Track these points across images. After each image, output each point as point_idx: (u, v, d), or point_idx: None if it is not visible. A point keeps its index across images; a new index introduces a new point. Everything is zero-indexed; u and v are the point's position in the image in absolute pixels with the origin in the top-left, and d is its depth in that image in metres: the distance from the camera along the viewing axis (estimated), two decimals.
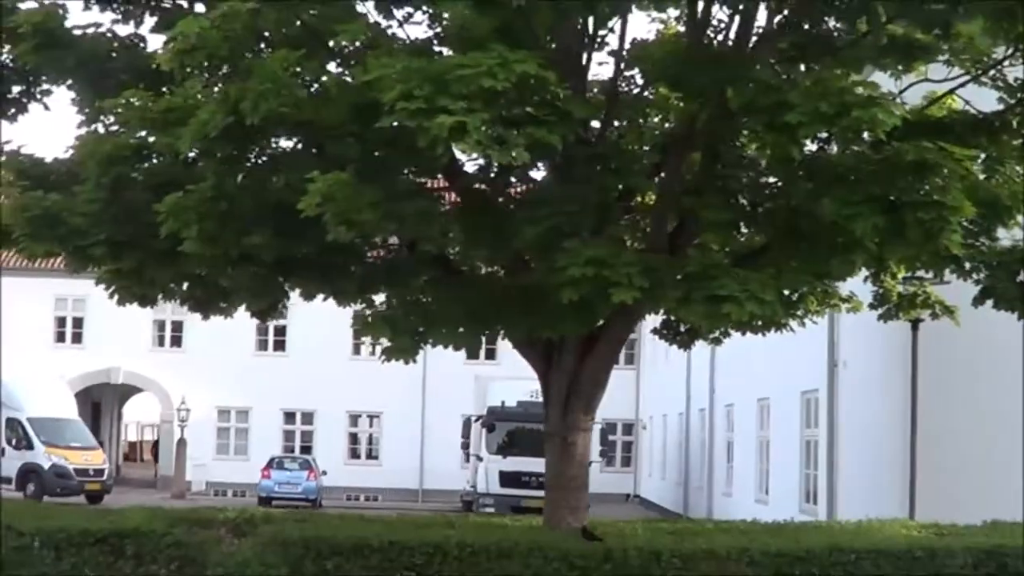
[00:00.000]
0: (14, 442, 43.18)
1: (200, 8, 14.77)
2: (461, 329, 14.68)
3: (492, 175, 14.01)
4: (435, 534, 14.71)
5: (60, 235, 15.07)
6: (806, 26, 14.78)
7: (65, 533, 14.31)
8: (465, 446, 39.38)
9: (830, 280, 16.72)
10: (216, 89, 13.25)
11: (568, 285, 13.04)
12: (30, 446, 43.00)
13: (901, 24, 14.55)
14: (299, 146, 13.90)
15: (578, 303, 13.37)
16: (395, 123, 11.41)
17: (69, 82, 16.61)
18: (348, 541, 14.22)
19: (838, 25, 14.64)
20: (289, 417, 55.75)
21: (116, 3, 16.69)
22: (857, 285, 18.07)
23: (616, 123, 15.67)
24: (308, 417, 55.64)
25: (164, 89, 14.28)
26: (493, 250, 14.52)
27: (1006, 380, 21.82)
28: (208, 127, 12.54)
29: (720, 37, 15.13)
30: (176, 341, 55.13)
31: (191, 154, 14.19)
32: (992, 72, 15.59)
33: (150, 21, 16.28)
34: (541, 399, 37.62)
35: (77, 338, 54.86)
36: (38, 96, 17.39)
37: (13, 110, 17.56)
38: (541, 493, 36.02)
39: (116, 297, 18.56)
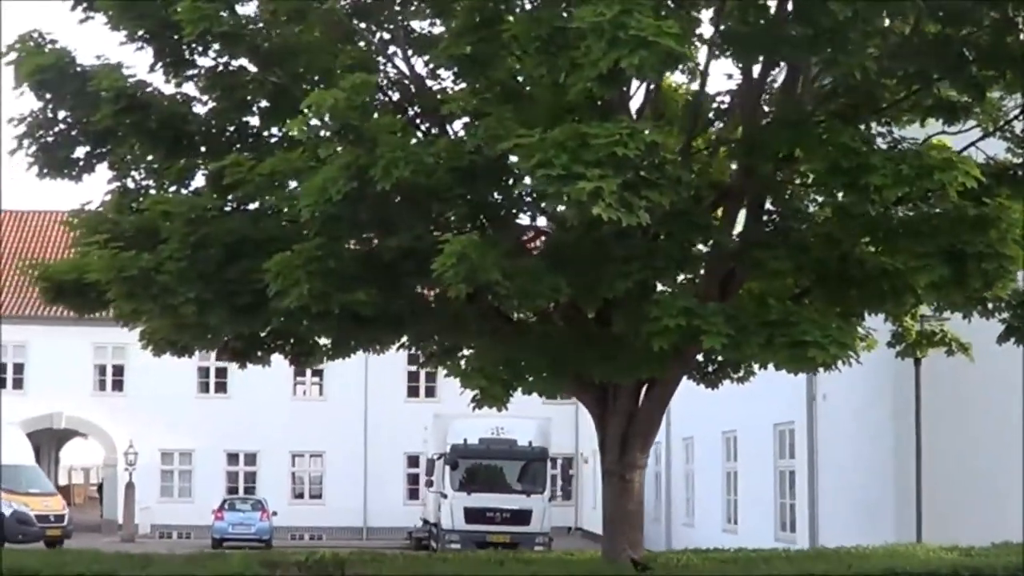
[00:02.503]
0: None
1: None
2: (545, 375, 15.49)
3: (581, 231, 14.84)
4: (509, 570, 15.49)
5: (152, 294, 15.69)
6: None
7: None
8: (429, 484, 40.11)
9: (858, 321, 17.79)
10: (332, 153, 13.94)
11: (660, 334, 14.00)
12: None
13: (943, 86, 15.76)
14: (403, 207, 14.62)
15: (655, 350, 14.34)
16: (530, 189, 12.23)
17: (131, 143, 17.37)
18: None
19: (884, 82, 15.76)
20: (232, 458, 56.00)
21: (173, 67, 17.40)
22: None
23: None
24: (251, 458, 55.93)
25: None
26: (582, 301, 15.38)
27: (1005, 408, 23.07)
28: (330, 191, 13.30)
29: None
30: (117, 385, 55.23)
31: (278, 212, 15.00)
32: (1003, 124, 16.89)
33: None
34: (503, 436, 38.93)
35: (18, 383, 54.67)
36: (102, 158, 18.08)
37: (77, 171, 18.19)
38: (506, 528, 37.64)
39: (152, 348, 19.28)
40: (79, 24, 17.64)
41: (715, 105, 17.18)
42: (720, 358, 18.41)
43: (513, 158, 13.05)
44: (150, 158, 18.03)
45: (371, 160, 13.12)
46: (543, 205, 12.50)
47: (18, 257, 57.66)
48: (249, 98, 17.37)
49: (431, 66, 16.42)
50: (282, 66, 16.71)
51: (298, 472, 57.01)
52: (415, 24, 17.15)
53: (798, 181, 16.76)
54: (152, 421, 53.06)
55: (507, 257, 13.54)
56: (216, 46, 16.40)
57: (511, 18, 13.85)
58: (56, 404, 53.99)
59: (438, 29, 16.69)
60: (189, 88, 17.70)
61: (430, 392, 54.85)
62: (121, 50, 17.16)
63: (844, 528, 24.89)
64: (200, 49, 16.90)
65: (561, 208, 12.30)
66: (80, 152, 17.88)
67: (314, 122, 13.99)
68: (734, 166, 16.97)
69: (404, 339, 18.59)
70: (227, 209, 16.63)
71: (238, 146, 17.40)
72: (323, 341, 18.96)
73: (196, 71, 17.29)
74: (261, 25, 16.29)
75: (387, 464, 54.68)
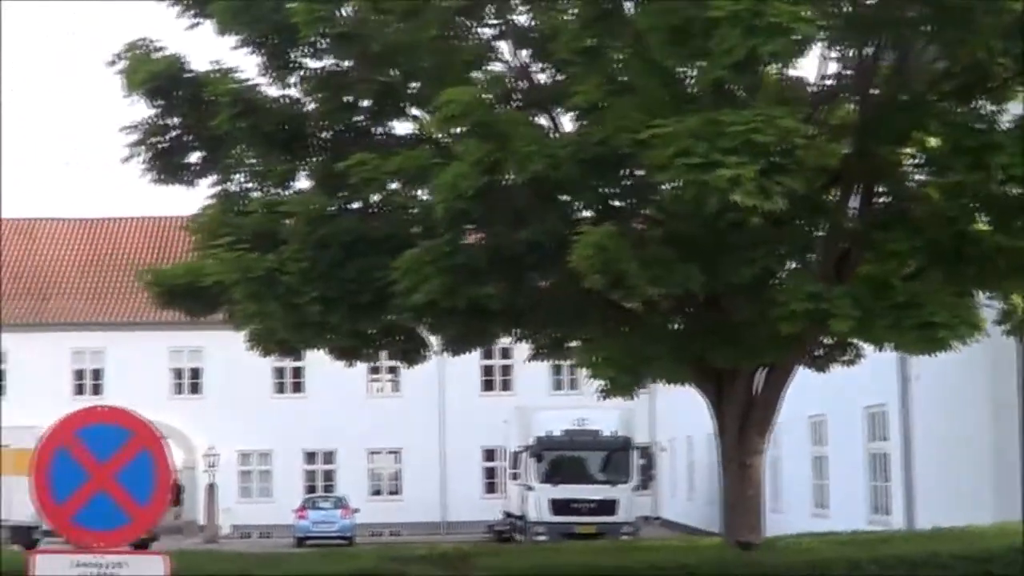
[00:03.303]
0: None
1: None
2: (668, 363, 15.62)
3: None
4: (655, 558, 15.63)
5: (277, 294, 15.92)
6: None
7: None
8: (515, 476, 40.26)
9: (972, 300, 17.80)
10: (465, 149, 14.11)
11: (787, 318, 14.07)
12: None
13: None
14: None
15: (783, 334, 14.43)
16: (671, 178, 12.34)
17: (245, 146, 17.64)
18: (574, 569, 15.13)
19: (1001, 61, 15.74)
20: (310, 457, 56.39)
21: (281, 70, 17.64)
22: None
23: None
24: (329, 456, 56.30)
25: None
26: (704, 289, 15.49)
27: None
28: (462, 186, 13.47)
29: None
30: (194, 388, 55.76)
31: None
32: None
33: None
34: (586, 427, 39.03)
35: (96, 389, 55.21)
36: (215, 162, 18.36)
37: (190, 176, 18.49)
38: (592, 519, 37.70)
39: (260, 349, 19.52)
40: (187, 30, 17.92)
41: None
42: (828, 341, 18.47)
43: (640, 149, 13.11)
44: (252, 160, 18.29)
45: (505, 155, 13.27)
46: (679, 194, 12.56)
47: (90, 265, 58.59)
48: (353, 98, 17.61)
49: (543, 61, 16.53)
50: (390, 65, 16.92)
51: (375, 469, 57.27)
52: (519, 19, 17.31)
53: (910, 161, 16.76)
54: (230, 422, 53.51)
55: (636, 247, 13.66)
56: (326, 47, 16.62)
57: (637, 10, 13.88)
58: (135, 408, 54.12)
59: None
60: (289, 90, 18.02)
61: (505, 385, 55.15)
62: (227, 54, 17.47)
63: (942, 509, 24.86)
64: (308, 51, 17.16)
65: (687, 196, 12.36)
66: (193, 157, 18.18)
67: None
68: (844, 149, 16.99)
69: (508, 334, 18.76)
70: (334, 209, 16.88)
71: (348, 146, 17.63)
72: (432, 338, 19.23)
73: (303, 73, 17.55)
74: (371, 25, 16.45)
75: (464, 458, 54.85)
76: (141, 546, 36.48)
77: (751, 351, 15.45)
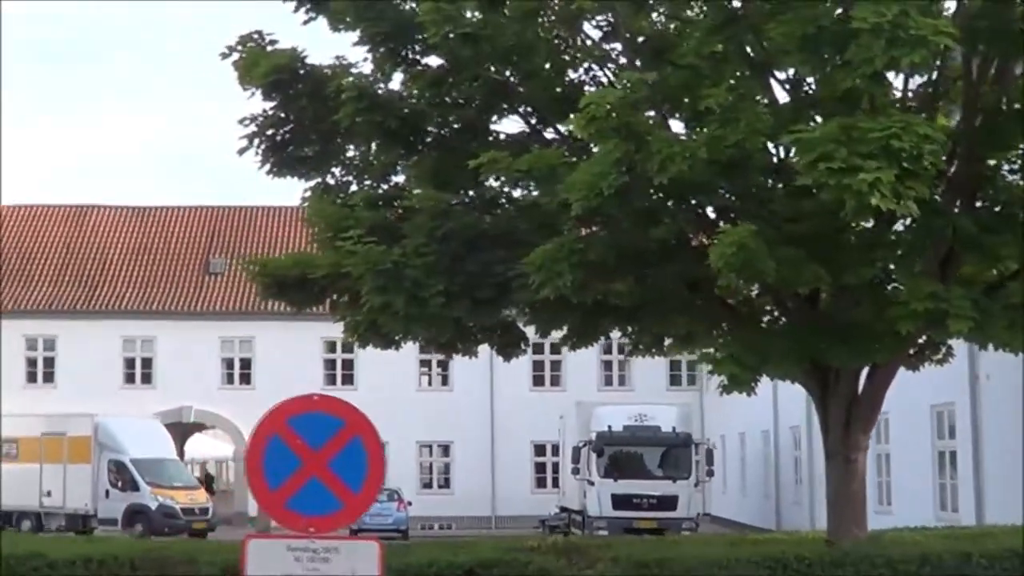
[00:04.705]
0: (120, 484, 44.00)
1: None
2: (789, 362, 15.97)
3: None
4: (769, 550, 15.96)
5: (404, 288, 16.31)
6: None
7: (435, 567, 15.22)
8: (576, 471, 40.57)
9: None
10: (600, 149, 14.49)
11: (907, 318, 14.43)
12: (135, 487, 43.82)
13: None
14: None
15: (896, 334, 14.80)
16: (811, 182, 12.70)
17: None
18: (691, 561, 15.47)
19: None
20: None
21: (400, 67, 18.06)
22: None
23: None
24: None
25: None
26: (825, 288, 15.86)
27: None
28: (602, 185, 13.84)
29: None
30: (245, 379, 55.98)
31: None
32: None
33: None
34: (646, 423, 39.33)
35: (147, 379, 55.65)
36: (333, 156, 18.80)
37: (306, 169, 18.91)
38: (652, 514, 38.01)
39: (358, 340, 19.87)
40: (303, 25, 18.36)
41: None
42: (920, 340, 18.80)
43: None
44: (369, 155, 18.69)
45: (646, 155, 13.64)
46: (821, 196, 12.93)
47: (141, 253, 58.88)
48: (463, 96, 18.02)
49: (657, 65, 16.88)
50: (505, 64, 17.32)
51: (425, 462, 57.64)
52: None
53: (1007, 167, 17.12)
54: None
55: (769, 247, 14.03)
56: (441, 45, 16.97)
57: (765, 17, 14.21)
58: (185, 398, 54.88)
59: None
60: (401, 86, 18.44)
61: (555, 381, 55.49)
62: (330, 48, 17.90)
63: (1012, 507, 25.20)
64: (425, 49, 17.57)
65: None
66: (309, 150, 18.59)
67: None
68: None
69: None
70: (457, 203, 17.31)
71: (460, 142, 18.06)
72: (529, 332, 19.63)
73: (418, 69, 17.96)
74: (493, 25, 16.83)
75: (514, 453, 55.17)
76: (200, 535, 37.00)
77: (867, 350, 15.78)
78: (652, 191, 14.42)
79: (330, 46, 18.90)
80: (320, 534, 8.85)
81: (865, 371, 17.47)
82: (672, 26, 16.94)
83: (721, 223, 15.28)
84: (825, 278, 14.42)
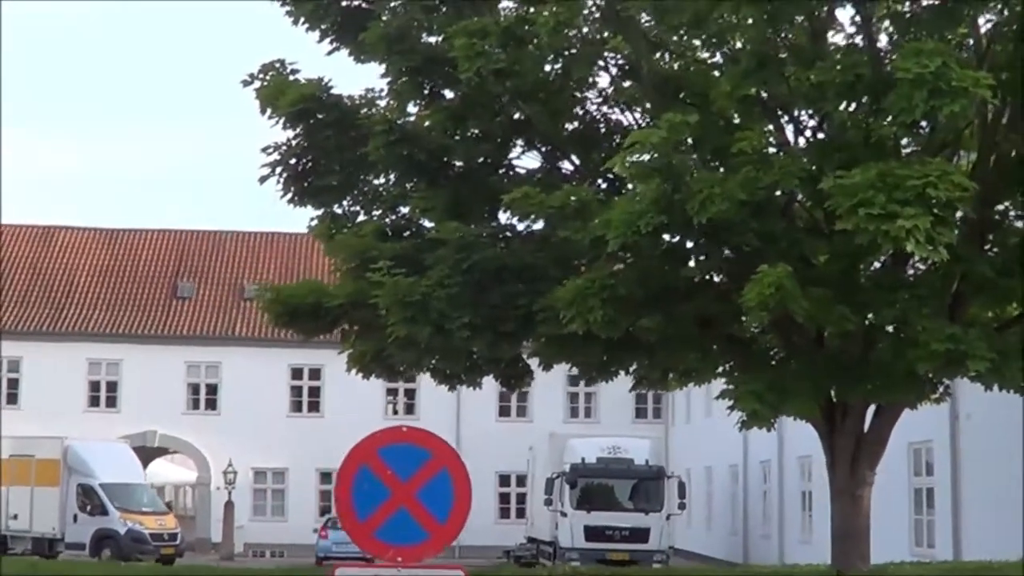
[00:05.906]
0: (88, 508, 43.65)
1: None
2: (807, 399, 16.32)
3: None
4: None
5: (431, 319, 16.54)
6: None
7: None
8: (548, 502, 40.68)
9: None
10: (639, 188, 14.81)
11: (926, 359, 14.84)
12: (104, 512, 43.43)
13: None
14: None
15: (920, 373, 15.20)
16: (850, 227, 13.06)
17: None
18: None
19: None
20: (325, 477, 56.36)
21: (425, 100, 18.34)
22: None
23: None
24: None
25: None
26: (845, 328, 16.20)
27: None
28: (639, 223, 14.15)
29: None
30: (211, 404, 55.77)
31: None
32: None
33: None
34: (620, 455, 39.56)
35: (111, 402, 55.30)
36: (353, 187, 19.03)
37: (327, 199, 19.13)
38: (625, 546, 38.26)
39: (360, 371, 20.08)
40: (326, 56, 18.64)
41: None
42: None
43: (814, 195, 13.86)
44: (391, 187, 18.93)
45: (686, 195, 13.97)
46: (861, 242, 13.32)
47: (108, 275, 58.50)
48: (480, 130, 18.32)
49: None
50: (529, 100, 17.63)
51: None
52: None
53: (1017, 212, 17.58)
54: (245, 440, 53.71)
55: (801, 287, 14.39)
56: (466, 80, 17.23)
57: (818, 64, 14.58)
58: (150, 423, 54.64)
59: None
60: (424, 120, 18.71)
61: (521, 412, 55.64)
62: (349, 78, 18.17)
63: (987, 543, 25.64)
64: (446, 82, 17.85)
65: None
66: (331, 180, 18.81)
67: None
68: None
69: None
70: (484, 236, 17.59)
71: (481, 175, 18.36)
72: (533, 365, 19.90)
73: (441, 103, 18.24)
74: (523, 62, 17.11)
75: (479, 483, 53.80)
76: (168, 561, 36.71)
77: (884, 388, 16.18)
78: (688, 230, 14.72)
79: (340, 75, 19.18)
80: (407, 563, 9.02)
81: (872, 408, 17.88)
82: (690, 68, 17.29)
83: (742, 262, 15.62)
84: (851, 318, 14.77)
